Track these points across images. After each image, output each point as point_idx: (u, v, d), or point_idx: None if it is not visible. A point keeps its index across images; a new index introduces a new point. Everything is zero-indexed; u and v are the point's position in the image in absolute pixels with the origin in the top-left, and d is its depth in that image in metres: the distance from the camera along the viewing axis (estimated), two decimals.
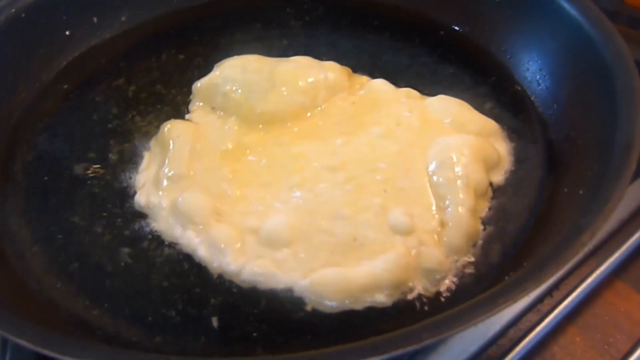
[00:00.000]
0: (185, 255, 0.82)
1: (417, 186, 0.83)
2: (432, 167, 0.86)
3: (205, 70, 1.05)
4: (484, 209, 0.84)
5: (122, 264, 0.81)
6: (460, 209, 0.80)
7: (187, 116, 0.98)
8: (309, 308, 0.75)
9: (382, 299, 0.74)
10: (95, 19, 1.10)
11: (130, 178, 0.90)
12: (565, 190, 0.79)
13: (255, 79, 0.95)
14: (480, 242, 0.81)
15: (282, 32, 1.13)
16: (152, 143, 0.96)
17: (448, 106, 0.94)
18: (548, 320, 0.82)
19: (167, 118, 0.96)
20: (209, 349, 0.73)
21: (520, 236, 0.81)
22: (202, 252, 0.81)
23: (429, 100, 0.96)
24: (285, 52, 1.06)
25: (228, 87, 0.96)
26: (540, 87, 0.97)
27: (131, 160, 0.92)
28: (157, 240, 0.83)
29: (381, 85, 0.99)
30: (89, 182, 0.90)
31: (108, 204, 0.87)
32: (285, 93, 0.94)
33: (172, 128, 0.94)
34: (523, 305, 0.82)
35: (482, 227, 0.82)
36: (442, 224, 0.81)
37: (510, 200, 0.86)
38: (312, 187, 0.85)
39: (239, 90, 0.95)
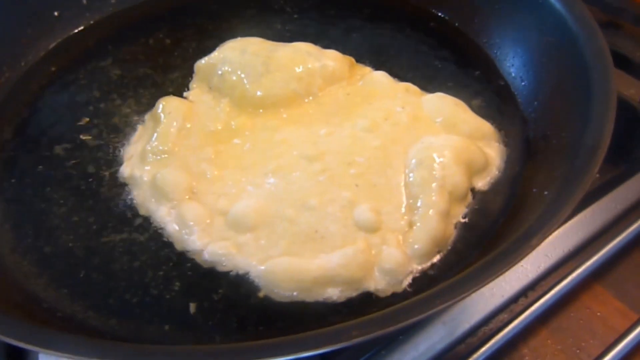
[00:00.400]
0: (154, 234, 0.81)
1: (392, 184, 0.82)
2: (410, 165, 0.83)
3: (194, 55, 1.03)
4: (459, 213, 0.82)
5: (92, 242, 0.80)
6: (430, 211, 0.78)
7: (185, 94, 0.98)
8: (261, 294, 0.75)
9: (334, 294, 0.73)
10: (84, 1, 1.09)
11: (115, 155, 0.89)
12: (534, 190, 0.77)
13: (251, 62, 0.95)
14: (449, 246, 0.78)
15: (276, 18, 1.10)
16: (147, 117, 0.97)
17: (443, 105, 0.91)
18: (519, 320, 0.80)
19: (150, 101, 0.96)
20: (167, 335, 0.71)
21: (485, 240, 0.78)
22: (171, 228, 0.82)
23: (425, 97, 0.93)
24: (278, 39, 1.01)
25: (225, 68, 0.96)
26: (523, 84, 0.95)
27: (112, 142, 0.91)
28: (132, 214, 0.82)
29: (380, 77, 0.97)
30: (67, 162, 0.88)
31: (83, 183, 0.85)
32: (279, 78, 0.93)
33: (166, 104, 0.95)
34: (495, 305, 0.81)
35: (454, 232, 0.79)
36: (410, 224, 0.79)
37: (488, 202, 0.83)
38: (286, 174, 0.84)
39: (235, 72, 0.94)
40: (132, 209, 0.85)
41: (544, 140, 0.86)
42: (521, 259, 0.60)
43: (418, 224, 0.77)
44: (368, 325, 0.55)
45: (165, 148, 0.89)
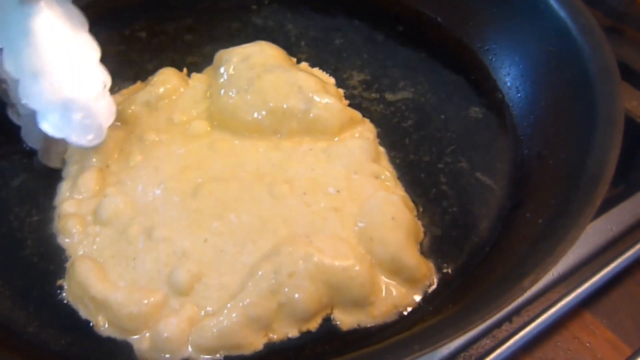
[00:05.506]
0: (52, 177, 0.74)
1: (239, 260, 0.61)
2: (270, 253, 0.61)
3: (166, 51, 0.87)
4: (286, 333, 0.60)
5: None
6: (240, 310, 0.57)
7: (193, 74, 0.82)
8: (59, 283, 0.64)
9: (102, 323, 0.60)
10: None
11: None
12: (528, 215, 0.61)
13: (242, 73, 0.75)
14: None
15: (251, 15, 0.94)
16: (149, 79, 0.83)
17: (379, 210, 0.65)
18: (502, 349, 0.64)
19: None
20: None
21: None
22: (66, 184, 0.72)
23: (379, 194, 0.68)
24: (248, 39, 0.83)
25: (224, 67, 0.78)
26: (519, 95, 0.77)
27: None
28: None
29: (356, 149, 0.72)
30: None
31: None
32: (251, 103, 0.73)
33: (160, 75, 0.80)
34: (478, 330, 0.64)
35: (261, 347, 0.59)
36: (219, 310, 0.57)
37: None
38: (170, 194, 0.67)
39: (225, 76, 0.77)
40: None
41: (539, 159, 0.68)
42: (514, 300, 0.49)
43: (221, 315, 0.58)
44: None
45: (129, 112, 0.75)
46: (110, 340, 0.59)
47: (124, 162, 0.72)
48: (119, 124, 0.75)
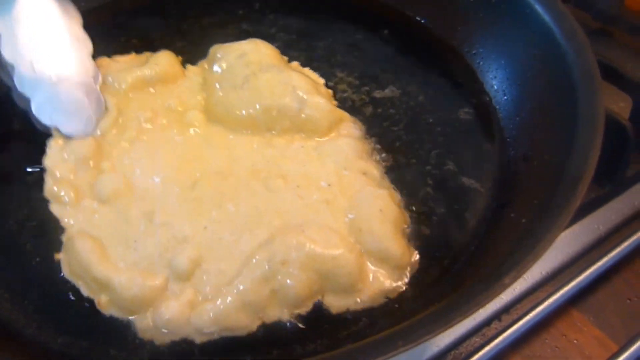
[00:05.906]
0: (43, 137, 0.72)
1: (237, 248, 0.63)
2: (265, 243, 0.63)
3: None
4: (278, 314, 0.62)
5: None
6: (235, 294, 0.58)
7: (187, 66, 0.82)
8: (57, 257, 0.64)
9: (104, 302, 0.61)
10: None
11: None
12: (512, 215, 0.62)
13: (238, 70, 0.76)
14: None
15: (240, 21, 0.95)
16: (147, 54, 0.82)
17: (367, 203, 0.67)
18: (491, 346, 0.66)
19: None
20: None
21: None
22: (57, 143, 0.71)
23: (368, 188, 0.70)
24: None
25: (219, 63, 0.79)
26: (505, 98, 0.78)
27: None
28: None
29: (346, 147, 0.74)
30: None
31: None
32: (246, 99, 0.74)
33: (160, 56, 0.80)
34: (467, 328, 0.66)
35: (255, 328, 0.61)
36: (217, 294, 0.59)
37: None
38: (169, 183, 0.68)
39: (221, 72, 0.78)
40: None
41: (525, 160, 0.70)
42: (490, 300, 0.49)
43: (218, 300, 0.59)
44: None
45: (124, 86, 0.76)
46: (112, 320, 0.62)
47: (119, 135, 0.73)
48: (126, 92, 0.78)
